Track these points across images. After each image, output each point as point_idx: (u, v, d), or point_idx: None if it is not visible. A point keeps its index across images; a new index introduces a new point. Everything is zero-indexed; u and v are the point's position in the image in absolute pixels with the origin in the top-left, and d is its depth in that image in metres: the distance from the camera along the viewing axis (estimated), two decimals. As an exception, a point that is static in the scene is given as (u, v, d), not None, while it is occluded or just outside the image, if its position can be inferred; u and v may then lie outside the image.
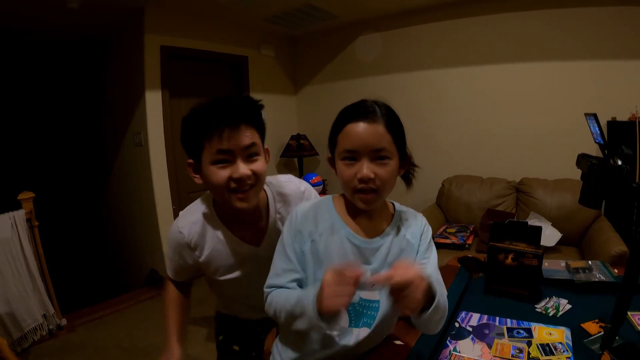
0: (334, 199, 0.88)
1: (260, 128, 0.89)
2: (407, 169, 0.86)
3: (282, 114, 3.95)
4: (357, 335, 0.82)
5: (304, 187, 1.05)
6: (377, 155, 0.76)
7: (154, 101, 2.86)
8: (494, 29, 2.91)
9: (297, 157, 3.78)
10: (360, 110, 0.78)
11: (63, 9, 2.43)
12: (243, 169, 0.83)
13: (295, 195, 1.02)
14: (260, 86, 3.67)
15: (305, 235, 0.82)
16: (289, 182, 1.04)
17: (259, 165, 0.86)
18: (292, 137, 3.79)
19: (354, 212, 0.84)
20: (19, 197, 2.21)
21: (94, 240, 3.90)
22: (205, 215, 0.95)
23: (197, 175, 0.89)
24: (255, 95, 3.54)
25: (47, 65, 3.86)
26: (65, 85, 3.93)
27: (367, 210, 0.82)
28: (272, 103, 3.82)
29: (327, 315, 0.68)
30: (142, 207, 3.05)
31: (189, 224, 0.94)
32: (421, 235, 0.87)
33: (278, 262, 0.84)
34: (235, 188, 0.84)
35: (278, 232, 0.96)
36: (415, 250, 0.86)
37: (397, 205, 0.91)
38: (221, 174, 0.83)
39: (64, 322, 2.37)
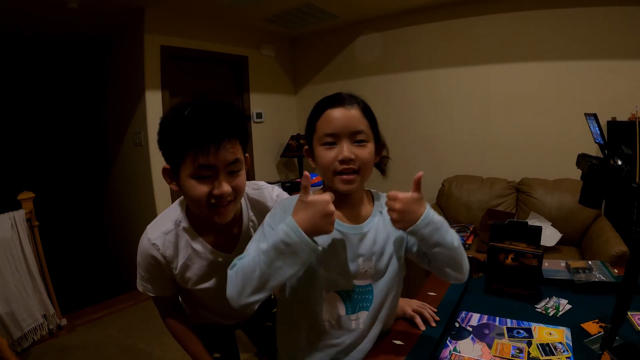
0: (314, 193, 0.88)
1: (244, 140, 0.86)
2: (381, 157, 0.89)
3: (282, 114, 3.95)
4: (357, 320, 0.86)
5: (276, 193, 1.04)
6: (355, 137, 0.79)
7: (154, 101, 2.86)
8: (494, 29, 2.91)
9: (297, 157, 3.78)
10: (337, 98, 0.82)
11: (63, 8, 2.43)
12: (225, 186, 0.80)
13: (268, 203, 1.01)
14: (260, 86, 3.67)
15: None
16: (262, 190, 1.03)
17: (240, 180, 0.85)
18: (292, 137, 3.79)
19: (336, 201, 0.83)
20: (19, 197, 2.21)
21: (94, 240, 3.90)
22: (177, 224, 0.92)
23: (174, 183, 0.85)
24: (255, 95, 3.52)
25: (47, 64, 3.86)
26: (65, 85, 3.93)
27: (347, 197, 0.85)
28: (272, 103, 3.82)
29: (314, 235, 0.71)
30: (141, 207, 3.05)
31: (161, 235, 0.90)
32: None
33: (251, 244, 0.81)
34: (214, 203, 0.81)
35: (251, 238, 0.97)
36: (404, 235, 0.88)
37: (374, 191, 0.94)
38: (201, 189, 0.79)
39: (64, 322, 2.37)
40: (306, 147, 0.88)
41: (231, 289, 0.74)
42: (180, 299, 1.11)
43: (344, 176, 0.79)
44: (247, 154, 0.90)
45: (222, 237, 0.95)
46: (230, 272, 0.76)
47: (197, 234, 0.92)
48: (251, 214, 0.99)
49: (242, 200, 0.98)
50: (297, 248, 0.69)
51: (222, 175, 0.80)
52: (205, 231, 0.93)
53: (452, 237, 0.78)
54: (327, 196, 0.71)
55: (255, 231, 0.97)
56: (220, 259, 0.94)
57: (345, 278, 0.84)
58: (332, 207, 0.71)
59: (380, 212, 0.89)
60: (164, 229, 0.91)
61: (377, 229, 0.86)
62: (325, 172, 0.81)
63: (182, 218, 0.92)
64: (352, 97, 0.83)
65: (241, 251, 0.93)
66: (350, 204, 0.86)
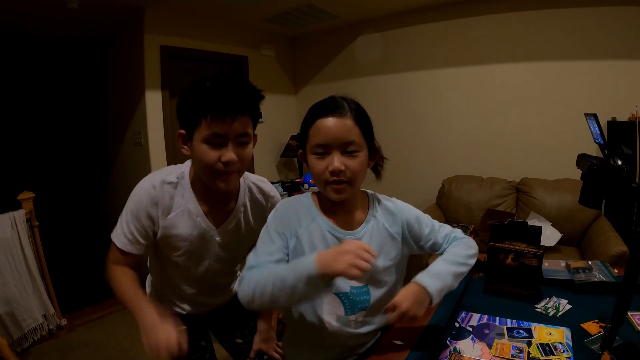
0: (312, 196, 0.92)
1: (256, 118, 0.92)
2: (376, 161, 0.90)
3: (282, 114, 3.95)
4: (356, 320, 0.88)
5: (273, 193, 1.08)
6: (346, 148, 0.79)
7: (154, 101, 2.86)
8: (494, 28, 2.91)
9: (297, 157, 3.77)
10: (329, 106, 0.81)
11: (63, 8, 2.43)
12: (232, 154, 0.86)
13: (264, 196, 1.06)
14: (260, 86, 3.56)
15: (292, 230, 0.85)
16: (264, 183, 1.08)
17: (247, 152, 0.90)
18: (292, 137, 3.79)
19: (330, 206, 0.88)
20: (19, 197, 2.21)
21: (94, 240, 3.89)
22: (180, 179, 0.96)
23: (186, 147, 0.91)
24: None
25: (47, 64, 3.86)
26: (65, 85, 3.93)
27: (343, 202, 0.86)
28: (272, 103, 3.82)
29: (329, 278, 0.70)
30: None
31: (163, 183, 0.94)
32: (402, 223, 0.91)
33: (261, 246, 0.84)
34: (221, 170, 0.87)
35: (238, 222, 1.01)
36: (399, 240, 0.91)
37: (370, 193, 0.95)
38: (212, 154, 0.85)
39: (64, 322, 2.37)
40: (300, 151, 0.89)
41: (243, 291, 0.77)
42: (150, 275, 1.15)
43: (334, 186, 0.80)
44: (255, 133, 0.94)
45: (214, 210, 0.99)
46: (247, 274, 0.78)
47: (193, 194, 0.96)
48: (246, 198, 1.03)
49: (242, 183, 1.02)
50: (308, 290, 0.71)
51: (231, 144, 0.86)
52: (202, 197, 0.97)
53: (460, 270, 0.88)
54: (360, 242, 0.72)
55: (244, 216, 1.02)
56: (206, 228, 0.98)
57: (341, 281, 0.85)
58: (354, 248, 0.69)
59: (375, 217, 0.90)
60: (167, 179, 0.95)
61: (372, 233, 0.88)
62: (317, 180, 0.83)
63: (186, 176, 0.97)
64: (345, 102, 0.82)
65: (226, 230, 0.99)
66: (344, 209, 0.88)
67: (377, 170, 0.92)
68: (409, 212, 0.94)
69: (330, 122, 0.79)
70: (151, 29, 2.80)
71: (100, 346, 2.22)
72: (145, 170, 2.90)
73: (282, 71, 3.97)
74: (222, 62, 3.38)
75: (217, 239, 1.00)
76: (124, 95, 3.08)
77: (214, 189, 0.91)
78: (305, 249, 0.84)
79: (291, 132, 3.87)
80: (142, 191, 0.93)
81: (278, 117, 3.88)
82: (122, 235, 0.94)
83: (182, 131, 0.90)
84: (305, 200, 0.90)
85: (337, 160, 0.78)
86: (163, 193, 0.94)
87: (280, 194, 3.54)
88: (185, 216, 0.96)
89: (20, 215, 2.16)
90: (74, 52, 3.63)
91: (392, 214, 0.93)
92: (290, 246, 0.84)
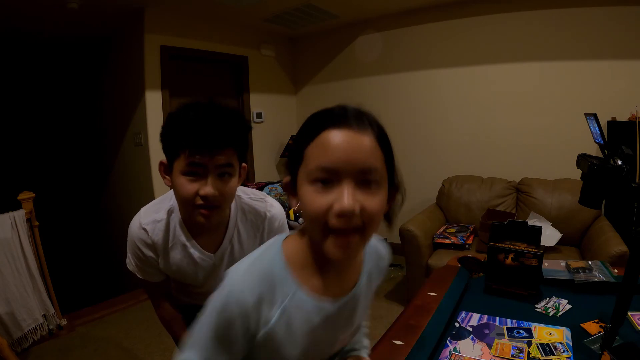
0: (284, 249, 0.59)
1: (241, 149, 0.86)
2: (392, 205, 0.60)
3: (282, 114, 3.95)
4: None
5: (272, 213, 1.00)
6: (364, 177, 0.51)
7: (154, 101, 2.86)
8: (494, 28, 2.91)
9: (297, 157, 3.77)
10: (342, 115, 0.52)
11: (63, 8, 2.43)
12: (211, 188, 0.80)
13: (258, 218, 1.00)
14: (260, 86, 3.67)
15: (259, 322, 0.55)
16: (259, 202, 1.01)
17: (229, 186, 0.84)
18: (292, 137, 3.79)
19: (320, 264, 0.58)
20: (19, 197, 2.21)
21: (94, 240, 3.90)
22: (170, 215, 0.94)
23: (167, 177, 0.87)
24: (255, 95, 3.51)
25: (47, 64, 3.86)
26: (65, 85, 3.93)
27: (340, 262, 0.57)
28: (272, 103, 3.82)
29: None
30: (141, 207, 3.05)
31: (152, 222, 0.93)
32: (383, 271, 0.73)
33: (203, 353, 0.56)
34: (200, 204, 0.81)
35: (232, 247, 0.98)
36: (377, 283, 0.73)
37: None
38: (189, 187, 0.80)
39: (64, 322, 2.37)
40: (287, 178, 0.58)
41: None
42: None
43: (341, 238, 0.51)
44: (244, 164, 0.89)
45: (209, 237, 0.97)
46: None
47: (186, 229, 0.94)
48: (239, 223, 0.99)
49: (233, 206, 0.98)
50: None
51: (211, 177, 0.80)
52: (194, 227, 0.94)
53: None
54: None
55: (237, 240, 0.98)
56: (203, 257, 0.96)
57: (320, 356, 0.67)
58: None
59: (369, 273, 0.67)
60: (156, 217, 0.93)
61: (359, 297, 0.64)
62: (314, 225, 0.52)
63: (175, 209, 0.94)
64: (362, 115, 0.54)
65: (222, 255, 0.97)
66: (339, 269, 0.60)
67: (389, 218, 0.61)
68: (388, 261, 0.73)
69: (342, 135, 0.50)
70: (151, 29, 2.80)
71: (100, 346, 2.22)
72: (145, 170, 2.90)
73: (282, 71, 3.97)
74: (222, 62, 3.39)
75: (216, 263, 0.99)
76: (124, 95, 3.08)
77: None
78: (282, 342, 0.57)
79: (291, 132, 3.87)
80: (134, 234, 0.94)
81: (278, 117, 3.88)
82: (136, 268, 0.99)
83: (164, 160, 0.86)
84: (277, 269, 0.57)
85: (348, 196, 0.49)
86: (155, 233, 0.92)
87: (280, 195, 3.49)
88: (180, 249, 0.95)
89: (20, 215, 2.16)
90: (74, 52, 3.63)
91: (382, 258, 0.71)
92: (258, 335, 0.56)
